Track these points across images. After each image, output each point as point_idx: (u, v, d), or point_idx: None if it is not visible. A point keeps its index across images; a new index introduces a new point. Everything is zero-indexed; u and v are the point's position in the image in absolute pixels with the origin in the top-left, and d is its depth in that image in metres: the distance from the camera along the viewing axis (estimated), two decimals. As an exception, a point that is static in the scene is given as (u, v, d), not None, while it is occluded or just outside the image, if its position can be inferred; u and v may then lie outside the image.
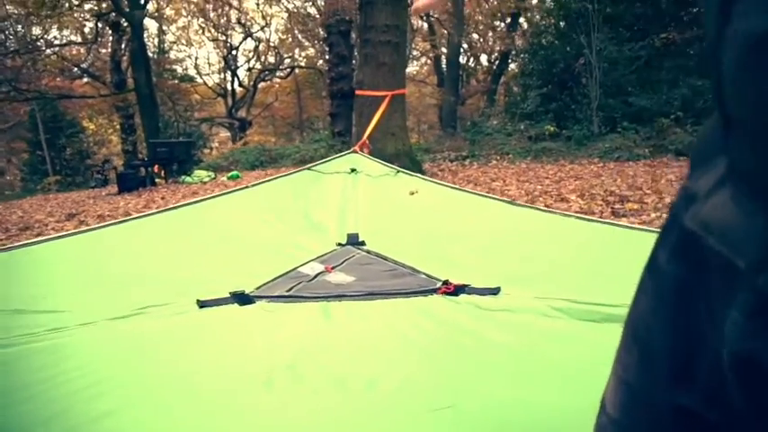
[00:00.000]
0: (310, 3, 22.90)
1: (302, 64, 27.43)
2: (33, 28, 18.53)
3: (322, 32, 18.51)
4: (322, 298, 1.95)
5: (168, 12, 24.26)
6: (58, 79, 20.48)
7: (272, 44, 27.72)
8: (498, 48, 22.91)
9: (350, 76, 13.78)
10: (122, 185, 10.28)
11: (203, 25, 25.80)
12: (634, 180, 6.99)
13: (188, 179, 10.91)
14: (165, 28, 25.21)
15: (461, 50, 22.90)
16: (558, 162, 10.28)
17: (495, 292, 1.88)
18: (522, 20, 21.94)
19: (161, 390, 1.32)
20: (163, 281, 2.17)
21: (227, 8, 24.85)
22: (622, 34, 12.68)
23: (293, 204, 3.44)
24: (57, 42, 20.56)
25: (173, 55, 26.64)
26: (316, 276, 2.28)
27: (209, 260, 2.50)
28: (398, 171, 4.17)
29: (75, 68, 22.32)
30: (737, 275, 0.35)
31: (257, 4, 25.02)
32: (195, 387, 1.34)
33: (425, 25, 24.61)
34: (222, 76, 29.53)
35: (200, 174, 11.30)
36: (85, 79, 23.40)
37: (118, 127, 23.49)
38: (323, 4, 16.41)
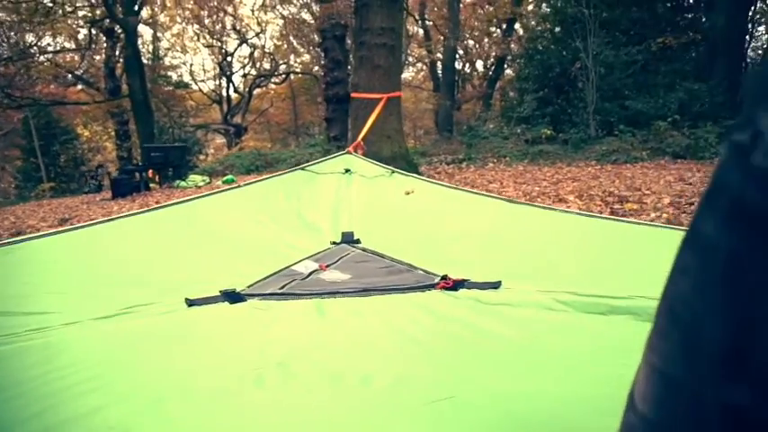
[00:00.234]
0: (305, 9, 22.95)
1: (298, 70, 27.46)
2: (26, 35, 18.46)
3: (317, 38, 18.49)
4: (316, 295, 1.87)
5: (163, 18, 24.27)
6: (52, 86, 20.37)
7: (267, 50, 27.77)
8: (494, 53, 22.95)
9: (345, 80, 13.73)
10: (116, 191, 10.18)
11: (198, 32, 25.79)
12: (632, 181, 6.95)
13: (183, 184, 10.82)
14: (159, 35, 25.21)
15: (457, 56, 22.95)
16: (556, 165, 10.24)
17: (495, 286, 1.81)
18: (517, 25, 22.02)
19: (149, 386, 1.25)
20: (150, 280, 2.09)
21: (222, 15, 24.87)
22: (619, 39, 12.73)
23: (286, 204, 3.37)
24: (50, 49, 20.51)
25: (167, 61, 26.61)
26: (309, 275, 2.20)
27: (198, 259, 2.42)
28: (394, 171, 4.10)
29: (69, 75, 22.21)
30: None
31: (252, 11, 25.07)
32: (184, 384, 1.27)
33: (421, 31, 24.68)
34: (217, 82, 29.56)
35: (194, 178, 11.21)
36: (80, 86, 23.30)
37: (112, 133, 23.37)
38: (318, 9, 16.39)
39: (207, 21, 24.98)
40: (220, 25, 25.64)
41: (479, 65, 27.22)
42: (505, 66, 22.68)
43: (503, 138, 13.44)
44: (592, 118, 12.00)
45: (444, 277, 1.92)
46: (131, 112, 18.49)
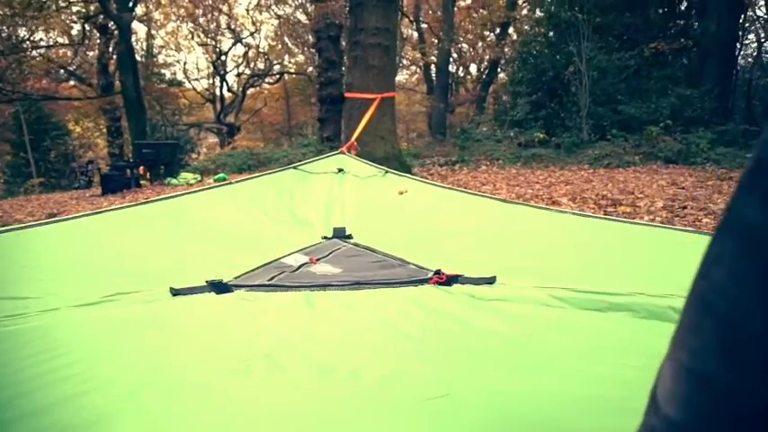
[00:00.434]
0: (300, 10, 22.89)
1: (292, 70, 27.36)
2: (19, 29, 18.25)
3: (311, 39, 18.43)
4: (305, 288, 1.83)
5: (157, 16, 24.11)
6: (44, 81, 20.14)
7: (261, 50, 27.66)
8: (488, 56, 23.02)
9: (339, 81, 13.68)
10: (106, 187, 10.07)
11: (193, 30, 25.65)
12: (625, 185, 6.95)
13: (173, 181, 10.72)
14: (153, 32, 25.05)
15: (451, 59, 22.98)
16: (548, 168, 10.25)
17: (490, 281, 1.77)
18: (511, 29, 22.10)
19: (131, 374, 1.21)
20: (135, 270, 2.03)
21: (216, 14, 24.74)
22: (612, 44, 12.81)
23: (278, 201, 3.32)
24: (43, 44, 20.29)
25: (161, 59, 26.44)
26: (299, 267, 2.15)
27: (186, 251, 2.36)
28: (387, 171, 4.07)
29: (62, 70, 22.00)
30: None
31: (247, 11, 24.97)
32: (167, 373, 1.22)
33: (415, 34, 24.70)
34: (211, 81, 29.37)
35: (186, 176, 11.11)
36: (72, 82, 23.09)
37: (104, 130, 23.18)
38: (313, 9, 16.34)
39: (201, 19, 24.81)
40: (215, 24, 25.50)
41: (473, 68, 27.32)
42: (499, 69, 22.78)
43: (496, 141, 13.45)
44: (585, 122, 12.02)
45: (438, 272, 1.87)
46: (124, 109, 18.36)
